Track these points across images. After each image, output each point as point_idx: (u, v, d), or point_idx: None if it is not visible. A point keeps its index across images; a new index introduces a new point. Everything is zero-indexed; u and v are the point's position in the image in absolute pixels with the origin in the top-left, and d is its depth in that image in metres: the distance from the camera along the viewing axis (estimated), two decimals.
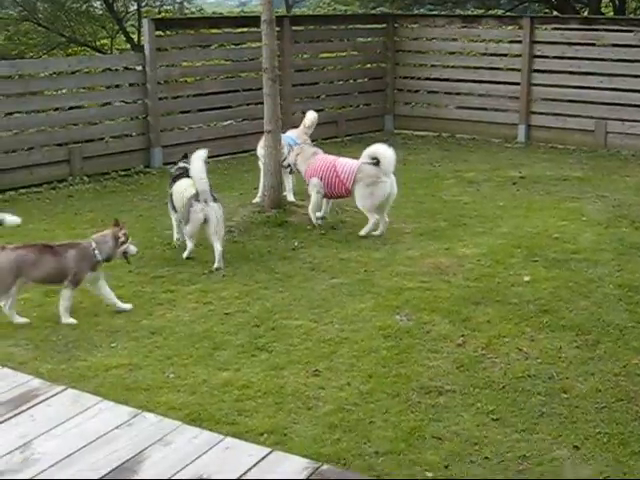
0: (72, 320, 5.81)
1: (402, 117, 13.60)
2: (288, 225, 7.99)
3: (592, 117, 11.82)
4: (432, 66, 13.42)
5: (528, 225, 8.00)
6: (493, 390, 4.76)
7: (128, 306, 6.02)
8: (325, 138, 11.68)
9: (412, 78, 13.67)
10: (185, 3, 19.64)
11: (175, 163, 7.91)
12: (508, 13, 17.75)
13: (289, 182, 8.76)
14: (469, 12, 18.40)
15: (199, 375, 4.97)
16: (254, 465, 3.24)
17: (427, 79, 13.46)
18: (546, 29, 12.34)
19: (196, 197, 6.94)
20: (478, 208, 8.71)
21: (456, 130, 13.01)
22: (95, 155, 10.43)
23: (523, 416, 4.48)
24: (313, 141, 9.22)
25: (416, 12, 16.95)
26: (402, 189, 9.33)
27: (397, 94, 13.69)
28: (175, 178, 7.50)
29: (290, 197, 8.72)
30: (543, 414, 4.49)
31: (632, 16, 17.67)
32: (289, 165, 8.31)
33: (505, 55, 12.64)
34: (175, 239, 7.52)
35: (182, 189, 7.20)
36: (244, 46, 12.14)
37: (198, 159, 6.93)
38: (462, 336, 5.48)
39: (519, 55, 12.34)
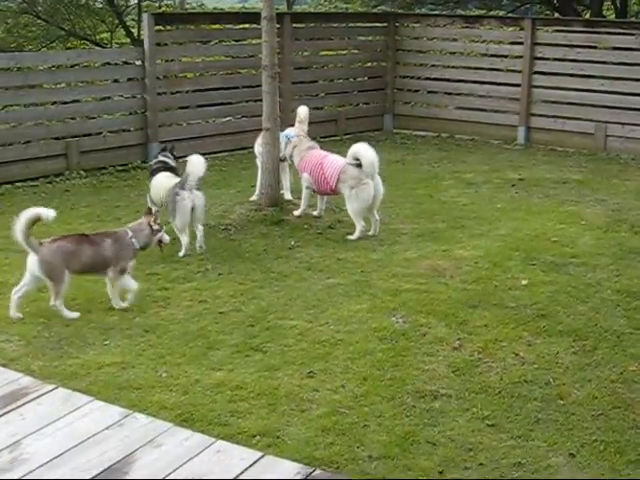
0: (124, 304, 5.91)
1: (402, 117, 13.55)
2: (285, 223, 7.95)
3: (592, 120, 11.78)
4: (432, 66, 13.37)
5: (526, 228, 7.96)
6: (489, 395, 4.72)
7: (125, 304, 6.01)
8: (324, 136, 11.62)
9: (412, 78, 13.61)
10: None
11: (156, 156, 7.99)
12: (510, 14, 17.71)
13: (287, 180, 8.71)
14: (470, 12, 18.37)
15: (192, 375, 4.93)
16: (245, 469, 3.20)
17: (427, 79, 13.40)
18: (547, 31, 12.29)
19: (181, 186, 7.05)
20: (476, 210, 8.67)
21: (455, 131, 12.97)
22: (92, 150, 10.37)
23: (519, 422, 4.44)
24: (312, 139, 9.16)
25: (417, 11, 16.90)
26: (400, 189, 9.34)
27: (397, 93, 13.63)
28: (154, 171, 7.62)
29: (287, 195, 8.67)
30: (539, 420, 4.46)
31: (634, 19, 17.63)
32: (284, 158, 8.28)
33: (506, 56, 12.59)
34: None
35: (160, 182, 7.35)
36: (244, 43, 12.08)
37: (202, 161, 7.12)
38: (458, 339, 5.44)
39: (520, 56, 12.29)
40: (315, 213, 8.15)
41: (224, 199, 8.84)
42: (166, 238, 6.26)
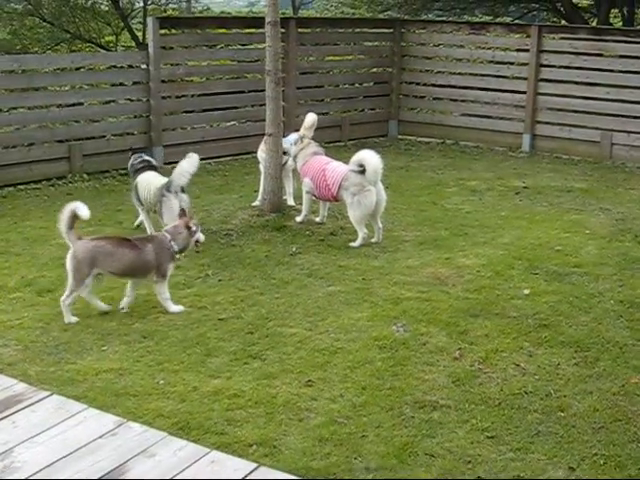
0: (179, 308, 5.96)
1: (407, 123, 13.53)
2: (287, 229, 7.91)
3: (598, 128, 11.74)
4: (438, 72, 13.34)
5: (530, 236, 7.90)
6: (488, 406, 4.66)
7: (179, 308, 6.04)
8: (329, 142, 11.58)
9: (418, 84, 13.61)
10: (192, 1, 19.57)
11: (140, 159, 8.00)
12: (516, 21, 17.67)
13: (289, 186, 8.68)
14: (477, 19, 18.33)
15: (190, 382, 4.88)
16: None
17: (433, 85, 13.38)
18: (554, 38, 12.27)
19: (167, 187, 7.12)
20: (480, 217, 8.62)
21: (460, 137, 12.94)
22: (96, 153, 10.36)
23: (518, 434, 4.38)
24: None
25: (424, 17, 16.88)
26: (404, 196, 9.29)
27: (402, 99, 13.61)
28: (139, 170, 7.69)
29: (290, 201, 8.63)
30: (539, 433, 4.40)
31: None
32: (287, 152, 8.26)
33: (512, 63, 12.56)
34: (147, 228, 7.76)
35: (148, 180, 7.44)
36: (250, 47, 12.06)
37: (194, 160, 7.19)
38: (459, 349, 5.38)
39: (526, 64, 12.27)
40: (317, 219, 8.12)
41: (226, 204, 8.81)
42: (201, 237, 6.24)
